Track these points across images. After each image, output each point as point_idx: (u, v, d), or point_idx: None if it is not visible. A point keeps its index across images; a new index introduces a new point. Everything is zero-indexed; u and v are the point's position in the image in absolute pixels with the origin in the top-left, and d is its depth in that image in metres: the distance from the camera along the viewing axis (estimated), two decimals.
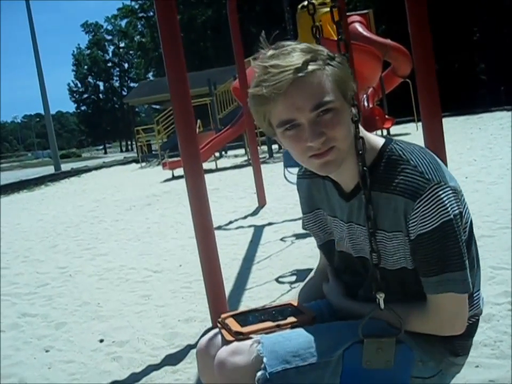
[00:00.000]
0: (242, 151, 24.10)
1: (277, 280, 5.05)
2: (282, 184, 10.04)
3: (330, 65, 1.55)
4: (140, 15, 75.93)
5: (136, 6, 75.19)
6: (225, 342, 1.71)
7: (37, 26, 39.51)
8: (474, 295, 1.75)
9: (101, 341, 4.22)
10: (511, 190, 7.02)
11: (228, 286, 4.84)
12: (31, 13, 39.23)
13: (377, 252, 1.63)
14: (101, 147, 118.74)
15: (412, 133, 18.92)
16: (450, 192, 1.57)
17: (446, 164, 3.86)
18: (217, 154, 22.14)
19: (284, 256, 5.86)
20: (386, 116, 19.35)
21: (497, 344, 3.12)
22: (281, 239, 6.68)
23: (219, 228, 7.76)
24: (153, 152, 33.97)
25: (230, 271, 5.50)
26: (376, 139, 1.70)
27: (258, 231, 7.42)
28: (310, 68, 1.51)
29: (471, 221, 1.70)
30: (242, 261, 5.99)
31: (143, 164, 29.12)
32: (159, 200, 12.45)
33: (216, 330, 1.84)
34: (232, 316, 1.82)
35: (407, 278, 1.67)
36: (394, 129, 21.15)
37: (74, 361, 3.91)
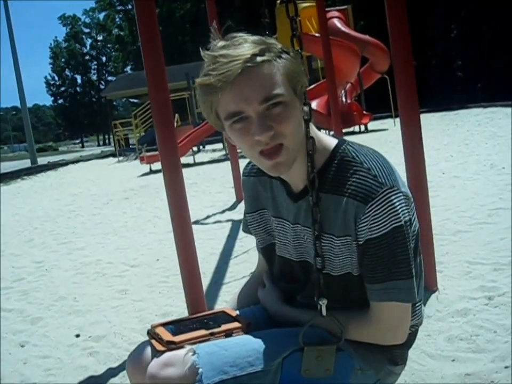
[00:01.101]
0: (220, 145, 24.06)
1: None
2: None
3: (282, 58, 1.50)
4: (118, 8, 75.62)
5: None
6: (156, 354, 1.63)
7: (13, 18, 39.11)
8: (417, 305, 1.72)
9: (77, 335, 4.19)
10: (487, 185, 7.09)
11: (206, 281, 4.83)
12: (7, 4, 38.81)
13: (321, 256, 1.59)
14: (78, 141, 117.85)
15: (389, 129, 19.01)
16: (402, 197, 1.54)
17: (423, 160, 3.89)
18: (195, 148, 22.08)
19: None
20: (364, 112, 19.44)
21: (473, 338, 3.14)
22: None
23: (197, 222, 7.74)
24: (130, 146, 33.85)
25: (208, 265, 5.49)
26: (328, 139, 1.66)
27: (236, 225, 7.40)
28: (260, 58, 1.46)
29: (418, 230, 1.66)
30: (220, 255, 5.98)
31: (121, 158, 28.95)
32: (137, 194, 12.39)
33: (146, 342, 1.76)
34: (163, 325, 1.76)
35: (351, 284, 1.64)
36: (372, 125, 21.23)
37: (50, 356, 3.89)
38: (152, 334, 1.73)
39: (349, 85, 19.00)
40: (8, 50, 38.76)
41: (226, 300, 4.26)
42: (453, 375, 2.79)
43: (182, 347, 1.61)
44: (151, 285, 5.24)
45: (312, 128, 1.61)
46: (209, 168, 16.30)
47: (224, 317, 1.80)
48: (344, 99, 18.75)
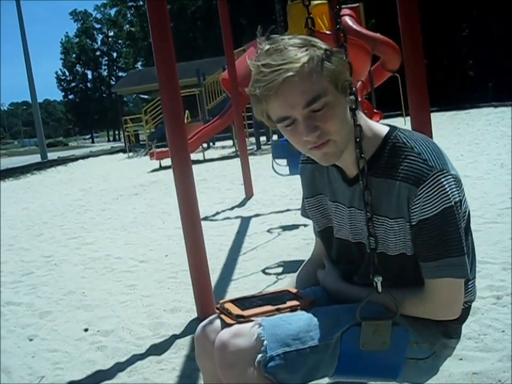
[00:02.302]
0: (230, 142, 24.08)
1: (263, 271, 5.05)
2: (269, 176, 10.07)
3: (321, 58, 1.55)
4: (130, 4, 75.49)
5: None
6: (226, 326, 1.72)
7: (25, 13, 39.21)
8: (470, 282, 1.80)
9: (86, 330, 4.21)
10: (497, 185, 7.06)
11: (214, 277, 4.84)
12: (19, 0, 38.90)
13: (374, 236, 1.66)
14: (88, 136, 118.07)
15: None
16: (452, 179, 1.61)
17: None
18: (205, 145, 22.11)
19: (270, 248, 5.87)
20: (375, 110, 19.34)
21: (481, 337, 3.14)
22: (268, 231, 6.69)
23: (206, 218, 7.76)
24: (140, 142, 33.82)
25: (216, 261, 5.50)
26: (380, 127, 1.75)
27: (245, 222, 7.42)
28: (299, 65, 1.52)
29: (469, 211, 1.73)
30: (229, 251, 5.99)
31: (131, 154, 29.02)
32: (146, 190, 12.43)
33: (214, 316, 1.85)
34: (231, 301, 1.83)
35: (405, 264, 1.71)
36: (383, 123, 21.16)
37: (58, 350, 3.90)
38: (221, 309, 1.81)
39: (359, 83, 18.93)
40: (20, 45, 38.87)
41: (234, 296, 4.27)
42: (460, 373, 2.80)
43: (250, 321, 1.69)
44: (159, 280, 5.26)
45: (362, 116, 1.71)
46: (219, 165, 16.32)
47: (288, 295, 1.87)
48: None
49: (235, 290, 4.63)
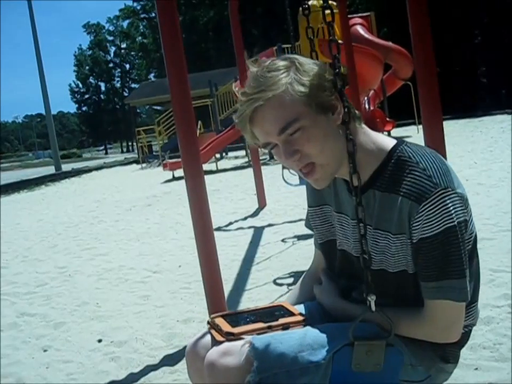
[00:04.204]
0: (242, 152, 24.09)
1: (276, 281, 5.04)
2: (282, 186, 10.03)
3: (295, 82, 1.54)
4: (142, 16, 76.00)
5: (138, 7, 75.33)
6: (216, 343, 1.69)
7: (38, 26, 39.55)
8: (472, 305, 1.74)
9: (99, 341, 4.22)
10: (511, 193, 7.01)
11: (227, 287, 4.83)
12: (33, 13, 39.25)
13: (368, 253, 1.59)
14: (102, 147, 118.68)
15: (412, 136, 18.89)
16: (456, 198, 1.55)
17: None
18: (217, 155, 22.13)
19: (283, 258, 5.86)
20: (387, 118, 19.35)
21: (497, 346, 3.12)
22: (281, 241, 6.67)
23: (219, 228, 7.76)
24: (154, 153, 33.94)
25: (230, 272, 5.49)
26: (386, 140, 1.70)
27: (258, 232, 7.41)
28: (271, 94, 1.52)
29: (475, 234, 1.68)
30: (242, 262, 5.98)
31: (144, 165, 29.10)
32: (159, 200, 12.45)
33: (205, 331, 1.82)
34: (222, 316, 1.79)
35: (406, 281, 1.66)
36: (395, 132, 21.12)
37: (72, 361, 3.91)
38: (211, 324, 1.78)
39: (372, 91, 18.92)
40: (34, 58, 39.17)
41: (247, 307, 4.26)
42: (475, 383, 2.77)
43: (240, 338, 1.66)
44: (173, 291, 5.26)
45: (364, 129, 1.68)
46: (232, 175, 16.33)
47: (282, 311, 1.84)
48: (367, 106, 18.68)
49: (248, 300, 4.62)
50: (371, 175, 1.65)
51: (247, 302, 4.55)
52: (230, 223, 8.32)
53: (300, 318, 1.77)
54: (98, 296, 5.43)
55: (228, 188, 12.82)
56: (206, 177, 4.22)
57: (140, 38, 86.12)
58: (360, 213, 1.57)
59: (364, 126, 1.68)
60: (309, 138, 1.55)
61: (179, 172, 17.19)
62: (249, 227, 7.84)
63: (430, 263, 1.57)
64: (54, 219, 11.81)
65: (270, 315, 1.79)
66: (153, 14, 66.18)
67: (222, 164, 21.09)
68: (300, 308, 1.90)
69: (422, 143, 3.88)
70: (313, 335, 1.66)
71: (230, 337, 1.66)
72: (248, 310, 1.88)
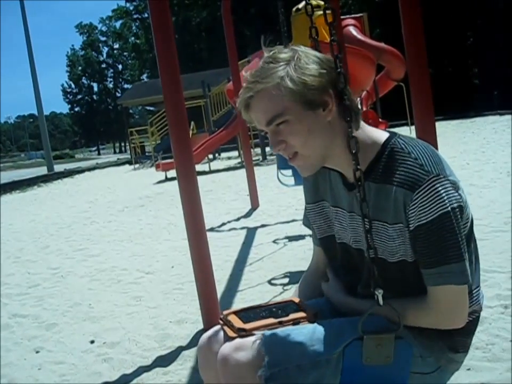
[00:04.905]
0: (235, 153, 24.09)
1: (269, 282, 5.04)
2: (275, 187, 10.06)
3: (286, 79, 1.59)
4: (135, 16, 75.73)
5: (131, 8, 75.02)
6: (228, 339, 1.72)
7: (31, 26, 39.41)
8: (474, 291, 1.76)
9: (92, 342, 4.21)
10: (503, 193, 7.04)
11: (220, 288, 4.83)
12: (25, 14, 39.13)
13: (373, 248, 1.63)
14: (94, 148, 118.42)
15: None
16: (449, 185, 1.60)
17: None
18: (210, 156, 22.12)
19: (276, 258, 5.86)
20: (380, 119, 19.35)
21: (489, 347, 3.12)
22: (274, 241, 6.67)
23: (212, 229, 7.75)
24: (146, 154, 33.88)
25: (222, 272, 5.49)
26: (380, 133, 1.75)
27: (251, 233, 7.41)
28: (262, 86, 1.60)
29: (472, 218, 1.72)
30: (235, 262, 5.98)
31: (137, 165, 29.05)
32: (152, 201, 12.44)
33: (218, 327, 1.85)
34: (234, 313, 1.83)
35: (406, 271, 1.69)
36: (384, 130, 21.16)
37: (64, 362, 3.90)
38: (224, 320, 1.81)
39: (364, 92, 18.94)
40: (26, 58, 39.06)
41: (240, 307, 4.26)
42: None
43: (252, 334, 1.69)
44: (165, 291, 5.25)
45: (363, 124, 1.73)
46: (225, 176, 16.33)
47: (292, 306, 1.86)
48: (359, 107, 18.69)
49: (241, 301, 4.61)
50: (366, 168, 1.68)
51: (240, 303, 4.55)
52: (223, 224, 8.32)
53: (310, 313, 1.79)
54: (90, 297, 5.41)
55: (221, 189, 12.82)
56: (199, 178, 4.22)
57: (132, 38, 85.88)
58: (365, 209, 1.61)
59: (362, 124, 1.73)
60: (292, 132, 1.63)
61: (172, 173, 17.16)
62: (242, 228, 7.84)
63: (428, 249, 1.60)
64: (46, 220, 11.77)
65: (281, 311, 1.82)
66: (146, 15, 66.04)
67: (215, 165, 21.08)
68: (311, 304, 1.92)
69: None
70: (322, 329, 1.68)
71: (242, 333, 1.70)
72: (259, 306, 1.90)
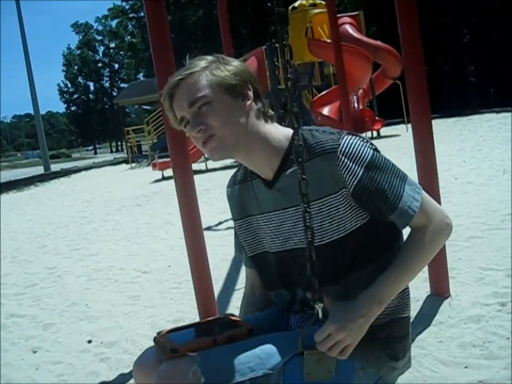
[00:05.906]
0: None
1: None
2: None
3: (211, 67, 1.72)
4: (131, 15, 75.60)
5: (127, 7, 74.90)
6: (163, 360, 1.69)
7: (27, 26, 39.44)
8: (405, 294, 1.82)
9: (89, 341, 4.20)
10: (500, 191, 7.04)
11: (217, 287, 4.83)
12: (21, 13, 39.09)
13: (311, 228, 1.61)
14: (91, 147, 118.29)
15: (401, 134, 18.95)
16: (358, 137, 1.70)
17: (435, 166, 3.87)
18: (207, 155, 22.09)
19: None
20: (377, 117, 19.39)
21: (486, 344, 3.12)
22: None
23: (209, 228, 7.74)
24: (143, 153, 33.89)
25: (220, 271, 5.48)
26: (288, 129, 1.80)
27: None
28: (188, 72, 1.71)
29: None
30: (232, 261, 5.96)
31: (133, 165, 29.03)
32: (149, 200, 12.43)
33: (151, 348, 1.82)
34: (169, 333, 1.79)
35: (342, 253, 1.69)
36: (384, 131, 21.19)
37: (62, 362, 3.90)
38: (158, 341, 1.77)
39: (361, 90, 18.97)
40: (22, 58, 39.00)
41: (237, 306, 4.26)
42: (465, 382, 2.78)
43: (185, 355, 1.65)
44: (162, 291, 5.25)
45: (267, 123, 1.78)
46: (222, 175, 16.30)
47: (227, 323, 1.83)
48: (356, 105, 18.73)
49: (238, 300, 4.59)
50: (284, 155, 1.75)
51: (237, 302, 4.53)
52: (220, 223, 8.30)
53: (245, 329, 1.76)
54: (87, 297, 5.41)
55: (218, 188, 12.79)
56: (196, 177, 4.22)
57: (128, 37, 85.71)
58: (304, 188, 1.61)
59: (275, 123, 1.81)
60: (214, 111, 1.68)
61: (168, 172, 17.15)
62: None
63: (376, 197, 1.65)
64: (43, 219, 11.76)
65: (215, 328, 1.80)
66: (142, 14, 65.94)
67: (212, 164, 21.04)
68: (249, 319, 1.90)
69: (411, 142, 3.91)
70: (260, 345, 1.65)
71: (175, 354, 1.66)
72: (194, 324, 1.90)
